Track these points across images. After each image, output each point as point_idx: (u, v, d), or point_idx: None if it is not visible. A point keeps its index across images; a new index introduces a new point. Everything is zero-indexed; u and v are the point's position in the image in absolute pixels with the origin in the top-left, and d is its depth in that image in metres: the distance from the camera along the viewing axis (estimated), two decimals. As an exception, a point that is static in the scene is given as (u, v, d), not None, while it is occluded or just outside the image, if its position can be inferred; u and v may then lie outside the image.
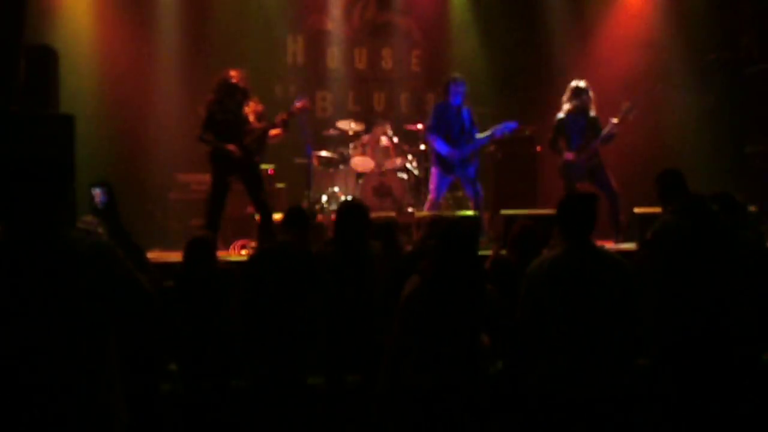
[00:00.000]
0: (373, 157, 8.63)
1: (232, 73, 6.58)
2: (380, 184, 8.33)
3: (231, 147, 6.41)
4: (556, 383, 3.20)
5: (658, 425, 3.99)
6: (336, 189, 8.53)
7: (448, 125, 7.04)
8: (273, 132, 6.98)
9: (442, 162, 7.07)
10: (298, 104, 6.86)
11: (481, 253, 4.14)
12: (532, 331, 3.30)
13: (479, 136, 7.05)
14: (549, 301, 3.25)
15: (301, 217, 4.69)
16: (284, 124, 6.81)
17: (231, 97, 6.51)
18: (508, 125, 7.04)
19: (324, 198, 8.37)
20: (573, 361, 3.18)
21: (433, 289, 3.30)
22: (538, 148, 8.97)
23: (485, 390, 3.34)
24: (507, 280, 4.11)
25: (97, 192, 2.66)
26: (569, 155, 7.17)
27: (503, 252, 4.70)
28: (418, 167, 8.72)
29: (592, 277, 3.25)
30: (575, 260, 3.28)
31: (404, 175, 8.59)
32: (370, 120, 9.13)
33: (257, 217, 6.79)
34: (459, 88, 6.99)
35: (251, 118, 6.66)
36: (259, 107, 6.76)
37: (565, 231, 3.39)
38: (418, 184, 8.64)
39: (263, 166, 8.34)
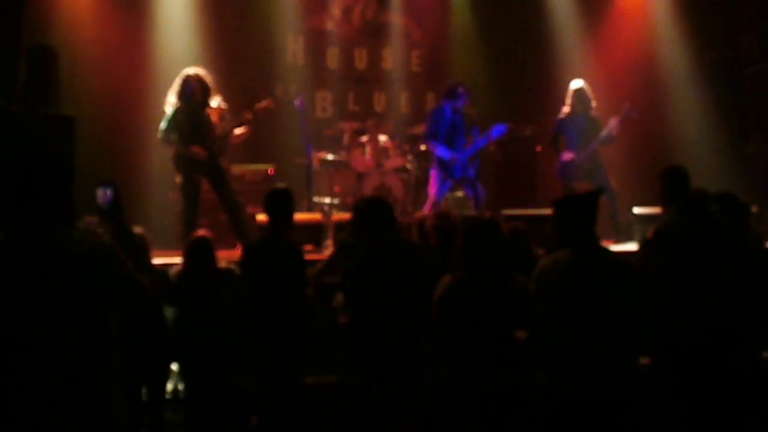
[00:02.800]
0: (373, 157, 8.63)
1: (192, 72, 6.48)
2: (380, 184, 8.33)
3: (195, 149, 6.35)
4: (566, 384, 3.19)
5: (658, 425, 3.98)
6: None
7: (446, 129, 7.06)
8: (238, 131, 6.85)
9: (444, 166, 7.07)
10: (261, 103, 6.80)
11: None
12: (546, 331, 3.28)
13: (477, 138, 7.05)
14: (562, 302, 3.22)
15: (284, 199, 4.55)
16: (249, 123, 6.72)
17: (193, 96, 6.41)
18: (497, 129, 7.02)
19: (327, 199, 8.37)
20: (583, 362, 3.18)
21: (466, 288, 3.31)
22: (538, 148, 8.97)
23: (524, 389, 3.31)
24: None
25: (102, 192, 2.64)
26: (568, 155, 7.17)
27: None
28: (418, 167, 8.72)
29: (602, 278, 3.24)
30: (586, 261, 3.26)
31: (404, 175, 8.59)
32: (369, 120, 9.12)
33: (227, 216, 6.76)
34: (462, 98, 7.00)
35: (214, 117, 6.54)
36: (223, 106, 6.68)
37: (569, 232, 3.35)
38: (418, 184, 8.64)
39: (263, 166, 8.39)
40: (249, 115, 6.67)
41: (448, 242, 4.15)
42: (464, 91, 7.04)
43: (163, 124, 6.42)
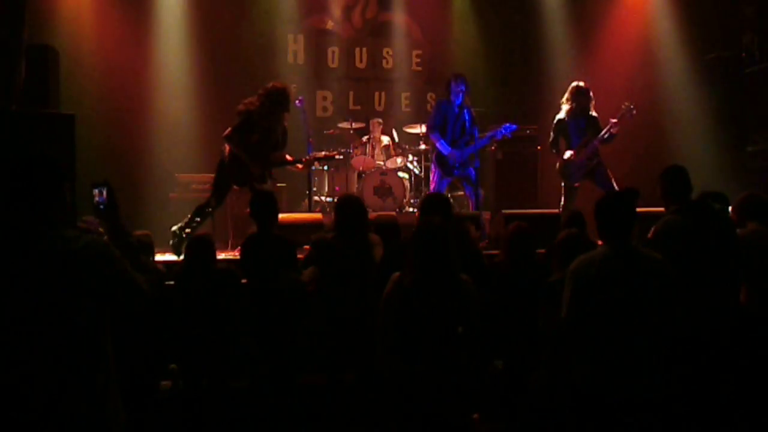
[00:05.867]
0: (373, 157, 8.63)
1: (287, 88, 6.33)
2: (381, 184, 8.33)
3: (254, 167, 6.26)
4: (601, 383, 3.20)
5: (659, 425, 3.98)
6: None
7: (449, 124, 7.05)
8: (299, 165, 6.89)
9: (442, 162, 7.07)
10: (327, 153, 7.00)
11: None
12: (577, 330, 3.28)
13: (480, 137, 7.05)
14: (598, 301, 3.22)
15: (268, 200, 4.70)
16: (307, 164, 6.84)
17: (276, 109, 6.24)
18: (507, 127, 7.07)
19: (327, 199, 8.38)
20: (617, 361, 3.18)
21: (412, 285, 3.40)
22: (539, 148, 8.97)
23: (464, 379, 3.42)
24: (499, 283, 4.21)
25: (96, 192, 2.65)
26: (568, 155, 7.16)
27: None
28: (419, 166, 8.72)
29: (639, 277, 3.24)
30: (623, 260, 3.26)
31: (405, 175, 8.59)
32: (370, 120, 9.14)
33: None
34: (460, 86, 6.98)
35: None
36: (286, 127, 6.59)
37: (608, 231, 3.36)
38: (418, 184, 8.65)
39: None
40: (308, 158, 6.75)
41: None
42: (459, 79, 7.00)
43: (236, 126, 6.25)
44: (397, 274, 3.49)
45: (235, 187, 6.52)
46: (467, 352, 3.45)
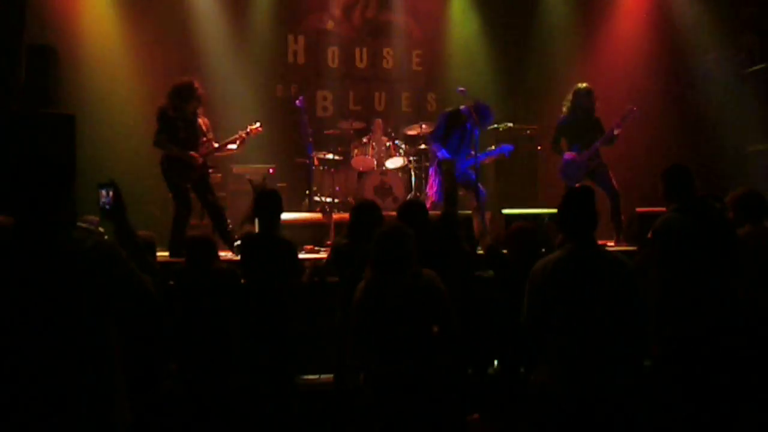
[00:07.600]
0: (373, 157, 8.63)
1: (191, 81, 6.36)
2: (381, 184, 8.33)
3: (194, 155, 6.26)
4: (562, 382, 3.20)
5: (660, 425, 3.98)
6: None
7: (452, 138, 7.09)
8: (231, 147, 6.71)
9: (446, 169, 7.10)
10: (254, 127, 6.69)
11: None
12: (537, 331, 3.31)
13: (479, 153, 7.08)
14: (553, 301, 3.24)
15: (274, 200, 4.71)
16: (241, 143, 6.66)
17: (188, 103, 6.29)
18: (506, 147, 7.29)
19: (327, 199, 8.37)
20: (578, 360, 3.18)
21: (377, 290, 3.42)
22: (539, 148, 8.97)
23: (438, 378, 3.41)
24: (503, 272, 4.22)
25: (103, 192, 2.65)
26: (570, 155, 7.16)
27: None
28: (419, 167, 8.72)
29: (595, 277, 3.23)
30: (579, 260, 3.27)
31: (405, 175, 8.59)
32: (370, 120, 9.14)
33: (209, 221, 6.70)
34: (486, 118, 6.99)
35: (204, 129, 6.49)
36: (206, 120, 6.58)
37: (567, 231, 3.38)
38: (419, 184, 8.65)
39: (264, 166, 8.38)
40: (243, 135, 6.63)
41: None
42: (489, 111, 7.03)
43: (158, 128, 6.27)
44: (362, 283, 3.51)
45: (188, 186, 6.47)
46: (446, 351, 3.44)
